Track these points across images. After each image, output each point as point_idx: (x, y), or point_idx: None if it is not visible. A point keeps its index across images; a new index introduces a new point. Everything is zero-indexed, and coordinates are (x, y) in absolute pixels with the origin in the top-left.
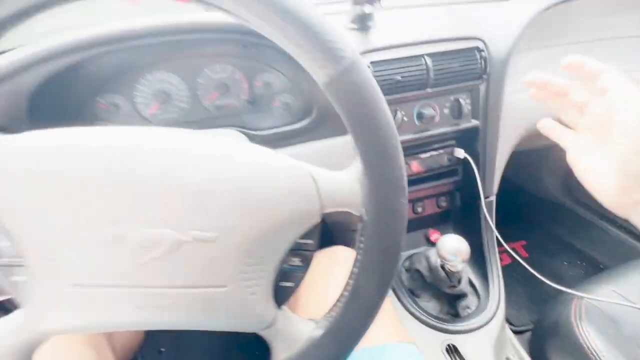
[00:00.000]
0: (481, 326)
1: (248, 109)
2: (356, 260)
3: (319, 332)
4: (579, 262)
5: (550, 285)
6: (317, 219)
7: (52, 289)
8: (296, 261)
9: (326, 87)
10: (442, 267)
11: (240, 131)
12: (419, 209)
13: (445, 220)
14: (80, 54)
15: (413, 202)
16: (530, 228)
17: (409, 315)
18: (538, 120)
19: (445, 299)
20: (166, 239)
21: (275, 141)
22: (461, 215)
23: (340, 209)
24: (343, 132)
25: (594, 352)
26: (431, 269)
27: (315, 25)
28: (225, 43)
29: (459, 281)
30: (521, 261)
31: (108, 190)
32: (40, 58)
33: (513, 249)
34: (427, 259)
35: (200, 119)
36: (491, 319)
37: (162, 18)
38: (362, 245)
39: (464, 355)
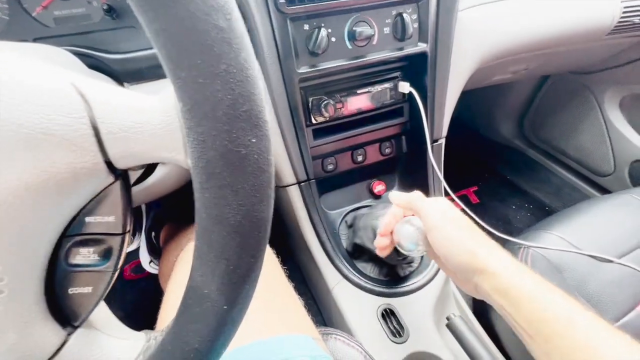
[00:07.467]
0: (422, 286)
1: (105, 24)
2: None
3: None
4: (526, 205)
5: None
6: (104, 179)
7: None
8: (90, 253)
9: None
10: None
11: (85, 53)
12: (360, 158)
13: (390, 170)
14: None
15: (352, 149)
16: (482, 172)
17: (343, 280)
18: (494, 45)
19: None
20: None
21: (143, 70)
22: (408, 163)
23: (143, 162)
24: None
25: None
26: None
27: None
28: None
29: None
30: (468, 211)
31: None
32: None
33: (464, 196)
34: (374, 230)
35: (32, 37)
36: (433, 277)
37: None
38: (197, 221)
39: (401, 319)
